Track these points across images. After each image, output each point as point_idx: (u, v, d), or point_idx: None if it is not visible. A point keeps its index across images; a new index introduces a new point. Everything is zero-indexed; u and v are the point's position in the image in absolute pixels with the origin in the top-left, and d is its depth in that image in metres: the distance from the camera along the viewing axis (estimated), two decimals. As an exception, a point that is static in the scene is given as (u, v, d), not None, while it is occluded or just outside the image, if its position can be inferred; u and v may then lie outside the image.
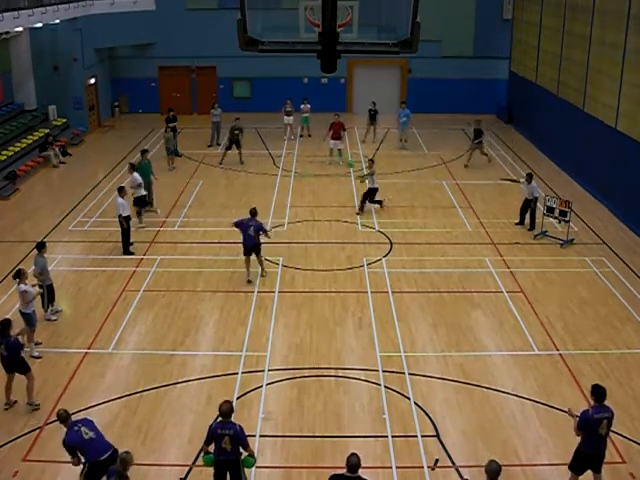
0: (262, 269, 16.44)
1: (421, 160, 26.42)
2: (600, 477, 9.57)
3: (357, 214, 20.45)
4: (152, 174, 20.61)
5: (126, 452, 8.71)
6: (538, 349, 13.51)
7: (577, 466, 9.55)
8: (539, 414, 11.56)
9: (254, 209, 16.22)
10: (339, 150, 25.33)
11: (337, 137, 25.08)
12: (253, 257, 16.21)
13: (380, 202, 20.78)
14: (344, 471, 8.35)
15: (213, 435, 9.20)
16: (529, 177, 19.43)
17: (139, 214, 19.32)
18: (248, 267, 16.21)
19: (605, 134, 21.82)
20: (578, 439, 9.43)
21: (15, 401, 11.79)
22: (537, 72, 29.07)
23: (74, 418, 9.67)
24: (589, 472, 9.55)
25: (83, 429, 9.25)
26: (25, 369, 11.67)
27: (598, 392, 9.43)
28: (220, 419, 9.34)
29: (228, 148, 25.47)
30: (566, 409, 10.04)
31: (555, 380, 12.53)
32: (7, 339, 11.45)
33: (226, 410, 9.24)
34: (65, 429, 9.36)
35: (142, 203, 19.45)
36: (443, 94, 32.67)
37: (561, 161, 25.70)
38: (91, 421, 9.52)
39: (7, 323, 11.56)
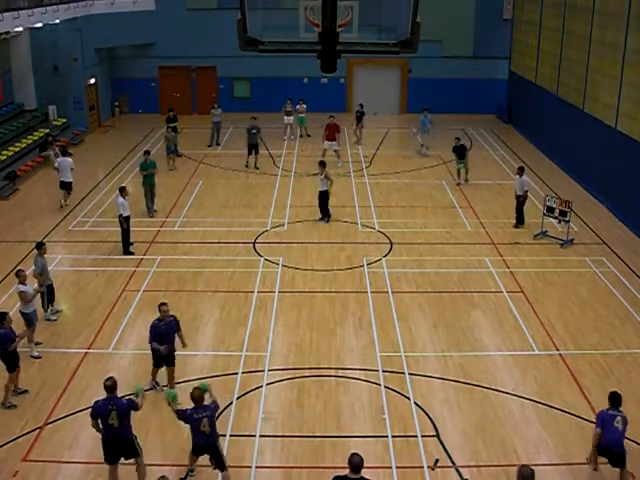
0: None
1: (421, 160, 26.42)
2: (625, 471, 9.75)
3: (323, 220, 20.02)
4: (155, 174, 20.42)
5: (162, 477, 8.68)
6: (538, 349, 13.50)
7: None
8: (539, 414, 11.56)
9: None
10: (335, 151, 25.26)
11: (332, 138, 25.05)
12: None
13: (328, 215, 20.09)
14: (346, 472, 8.29)
15: (189, 421, 9.49)
16: (521, 170, 19.52)
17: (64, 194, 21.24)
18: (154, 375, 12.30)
19: (605, 134, 21.82)
20: (581, 439, 9.51)
21: (25, 390, 11.90)
22: (537, 72, 29.07)
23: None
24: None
25: (114, 414, 9.38)
26: (11, 367, 11.65)
27: (613, 398, 9.91)
28: (193, 405, 9.56)
29: (249, 153, 25.09)
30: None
31: (555, 380, 12.53)
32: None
33: (197, 397, 9.52)
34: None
35: (66, 187, 21.26)
36: (443, 94, 32.66)
37: (561, 161, 25.70)
38: (129, 407, 9.55)
39: (3, 315, 11.62)
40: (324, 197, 19.99)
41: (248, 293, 15.71)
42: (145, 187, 20.32)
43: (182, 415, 9.61)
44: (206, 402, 9.69)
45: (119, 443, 9.59)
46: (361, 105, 28.82)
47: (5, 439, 10.85)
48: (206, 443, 9.56)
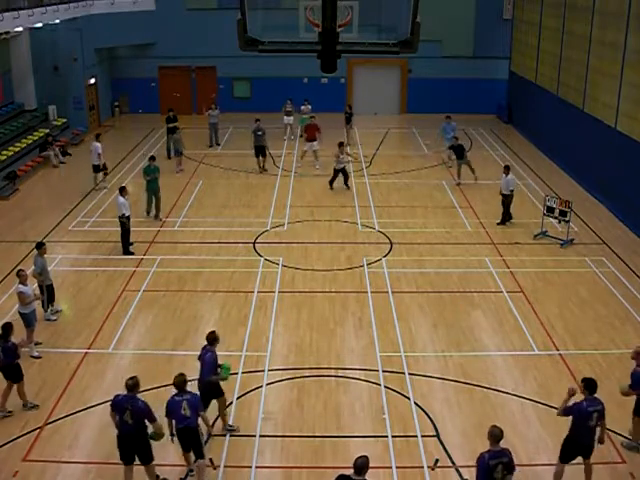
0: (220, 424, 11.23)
1: (421, 160, 26.42)
2: (589, 462, 9.77)
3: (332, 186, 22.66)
4: (158, 178, 20.17)
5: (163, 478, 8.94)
6: (538, 349, 13.51)
7: (566, 454, 9.78)
8: (539, 414, 11.56)
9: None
10: (314, 151, 25.19)
11: (312, 139, 25.06)
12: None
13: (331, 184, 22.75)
14: (351, 472, 8.27)
15: (169, 406, 9.75)
16: (507, 169, 19.58)
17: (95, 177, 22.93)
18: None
19: (605, 134, 21.82)
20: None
21: (10, 411, 11.51)
22: (537, 72, 29.07)
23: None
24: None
25: (128, 413, 9.43)
26: (17, 378, 11.51)
27: (590, 385, 9.71)
28: (175, 392, 9.80)
29: (257, 155, 24.70)
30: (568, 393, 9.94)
31: (555, 380, 12.52)
32: (5, 344, 11.35)
33: (178, 382, 9.79)
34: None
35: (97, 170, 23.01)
36: (443, 94, 32.66)
37: (561, 161, 25.70)
38: (145, 413, 9.55)
39: (9, 327, 11.51)
40: (344, 173, 22.45)
41: (248, 293, 15.71)
42: (149, 192, 20.15)
43: (166, 405, 9.81)
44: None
45: (133, 441, 9.56)
46: (350, 106, 29.02)
47: (5, 439, 10.85)
48: (186, 426, 9.65)
